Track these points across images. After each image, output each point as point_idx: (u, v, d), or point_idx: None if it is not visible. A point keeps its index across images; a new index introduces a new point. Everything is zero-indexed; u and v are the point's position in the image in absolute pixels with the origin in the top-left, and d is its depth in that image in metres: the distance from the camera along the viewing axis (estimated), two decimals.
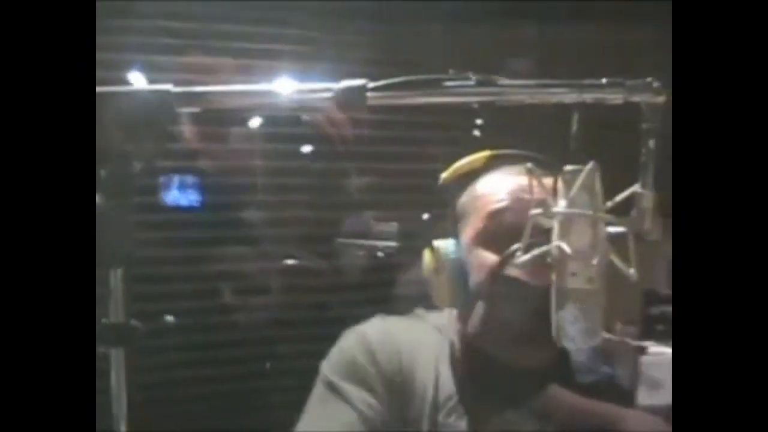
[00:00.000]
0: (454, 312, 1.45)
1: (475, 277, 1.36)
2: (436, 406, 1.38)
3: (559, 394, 1.35)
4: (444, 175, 1.41)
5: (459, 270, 1.36)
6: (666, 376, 1.26)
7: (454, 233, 1.40)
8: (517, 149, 1.34)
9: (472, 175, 1.41)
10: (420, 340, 1.46)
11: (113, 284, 1.06)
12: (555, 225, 1.08)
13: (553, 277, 1.08)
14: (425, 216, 1.42)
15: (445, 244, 1.39)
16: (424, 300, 1.67)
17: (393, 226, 2.42)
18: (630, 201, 1.08)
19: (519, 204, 1.33)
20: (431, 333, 1.48)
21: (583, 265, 1.06)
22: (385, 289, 2.42)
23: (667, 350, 1.31)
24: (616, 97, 1.05)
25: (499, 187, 1.38)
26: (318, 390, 1.45)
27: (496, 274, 1.32)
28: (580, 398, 1.34)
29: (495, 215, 1.36)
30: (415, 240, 2.36)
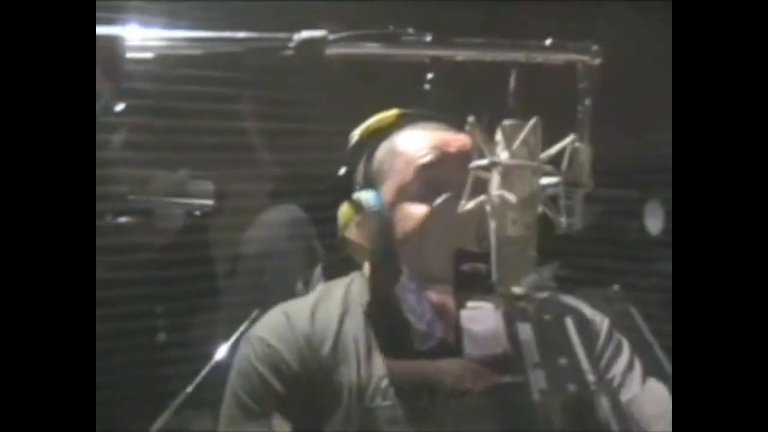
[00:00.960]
0: (360, 277, 1.48)
1: (402, 229, 1.38)
2: (360, 390, 1.37)
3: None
4: (356, 132, 1.43)
5: (381, 222, 1.38)
6: (483, 327, 1.32)
7: (368, 186, 1.43)
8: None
9: (384, 133, 1.45)
10: (334, 319, 1.43)
11: None
12: (495, 175, 1.15)
13: (492, 224, 1.15)
14: (341, 171, 1.43)
15: (366, 197, 1.41)
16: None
17: (209, 185, 2.40)
18: (559, 155, 1.17)
19: (443, 157, 1.38)
20: (335, 308, 1.46)
21: (523, 213, 1.14)
22: (204, 250, 2.40)
23: (484, 304, 1.36)
24: (558, 57, 1.13)
25: (423, 141, 1.42)
26: (228, 408, 1.40)
27: (427, 223, 1.36)
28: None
29: (420, 168, 1.39)
30: (229, 199, 2.37)
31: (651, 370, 1.50)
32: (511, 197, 1.13)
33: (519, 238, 1.14)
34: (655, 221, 2.51)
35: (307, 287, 1.63)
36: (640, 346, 1.91)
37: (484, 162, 1.15)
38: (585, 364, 1.37)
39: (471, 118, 1.18)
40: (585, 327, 1.44)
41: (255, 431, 1.36)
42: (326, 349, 1.38)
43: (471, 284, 1.33)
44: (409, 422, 1.34)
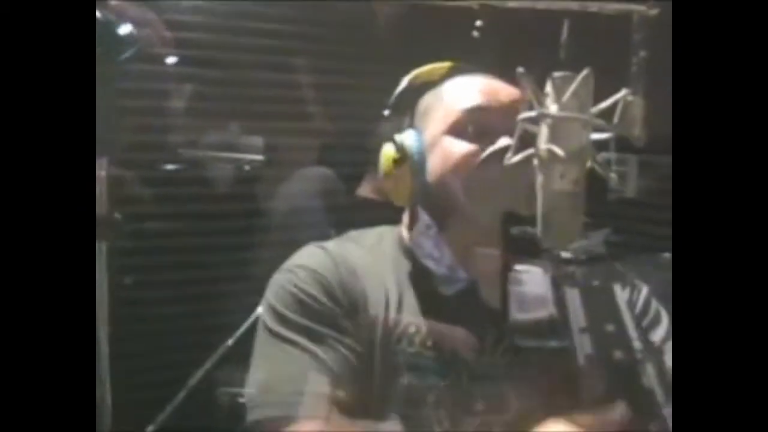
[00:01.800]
0: (391, 228, 1.46)
1: (442, 168, 1.35)
2: (387, 333, 1.34)
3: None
4: (405, 78, 1.41)
5: (422, 163, 1.36)
6: (534, 290, 1.30)
7: (412, 128, 1.41)
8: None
9: (432, 82, 1.42)
10: (366, 262, 1.40)
11: (99, 174, 1.02)
12: (543, 128, 1.12)
13: (540, 178, 1.12)
14: (385, 112, 1.42)
15: (407, 137, 1.38)
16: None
17: (258, 140, 2.38)
18: (610, 110, 1.13)
19: (492, 104, 1.35)
20: (367, 251, 1.43)
21: (571, 167, 1.11)
22: (255, 203, 2.38)
23: (532, 268, 1.33)
24: (613, 7, 1.09)
25: (470, 87, 1.38)
26: (266, 338, 1.37)
27: (471, 164, 1.33)
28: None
29: (469, 113, 1.35)
30: (281, 154, 2.35)
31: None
32: (560, 151, 1.10)
33: (567, 193, 1.11)
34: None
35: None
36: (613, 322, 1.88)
37: (533, 113, 1.12)
38: (632, 332, 1.35)
39: (521, 69, 1.15)
40: (628, 294, 1.41)
41: (308, 347, 1.32)
42: (359, 286, 1.36)
43: (519, 247, 1.32)
44: (431, 373, 1.32)
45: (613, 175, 1.13)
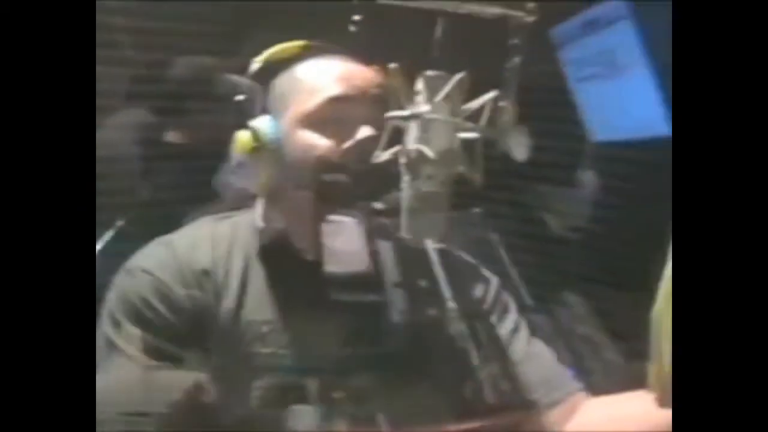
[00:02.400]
0: (247, 214, 1.41)
1: (301, 159, 1.31)
2: (242, 333, 1.31)
3: None
4: (258, 59, 1.35)
5: (279, 152, 1.32)
6: (344, 242, 1.30)
7: (267, 113, 1.35)
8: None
9: (287, 64, 1.36)
10: (218, 256, 1.35)
11: None
12: (413, 127, 1.11)
13: (406, 177, 1.11)
14: (238, 97, 1.35)
15: (263, 124, 1.33)
16: None
17: None
18: (479, 111, 1.13)
19: (349, 89, 1.31)
20: (221, 243, 1.37)
21: (439, 169, 1.10)
22: None
23: (346, 219, 1.33)
24: (490, 11, 1.09)
25: (328, 72, 1.35)
26: (109, 339, 1.29)
27: (327, 159, 1.30)
28: None
29: (327, 101, 1.31)
30: None
31: (511, 300, 1.52)
32: (430, 152, 1.09)
33: (433, 194, 1.11)
34: (521, 147, 2.48)
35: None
36: (499, 275, 1.94)
37: (404, 113, 1.11)
38: (445, 290, 1.37)
39: (393, 65, 1.13)
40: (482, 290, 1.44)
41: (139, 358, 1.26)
42: (209, 287, 1.31)
43: (332, 196, 1.31)
44: (289, 372, 1.30)
45: (478, 176, 1.14)
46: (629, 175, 2.09)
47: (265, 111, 1.36)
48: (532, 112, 1.12)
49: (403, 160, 1.12)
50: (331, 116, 1.30)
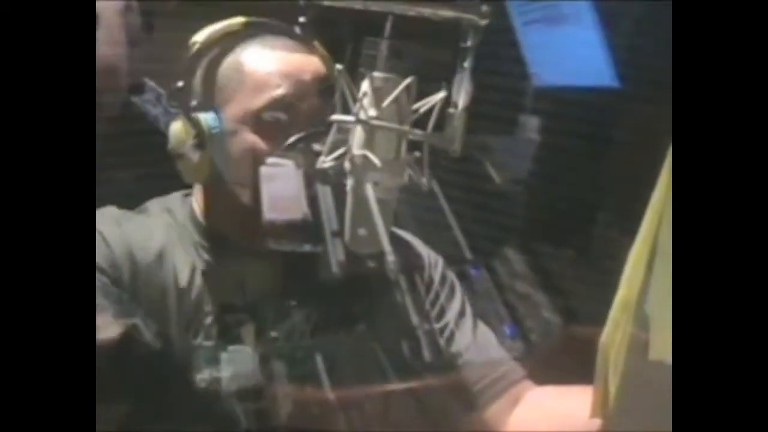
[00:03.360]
0: (183, 200, 1.36)
1: (243, 160, 1.27)
2: (186, 325, 1.29)
3: None
4: (196, 39, 1.28)
5: (221, 146, 1.27)
6: (287, 187, 1.27)
7: (209, 104, 1.29)
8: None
9: (229, 44, 1.30)
10: (149, 238, 1.32)
11: None
12: (359, 131, 1.07)
13: (351, 181, 1.08)
14: (178, 84, 1.28)
15: (205, 117, 1.27)
16: None
17: None
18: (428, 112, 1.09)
19: (297, 85, 1.26)
20: (158, 229, 1.33)
21: (386, 176, 1.07)
22: None
23: (285, 161, 1.30)
24: (442, 13, 1.04)
25: (273, 64, 1.28)
26: None
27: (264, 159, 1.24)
28: None
29: (272, 97, 1.26)
30: None
31: (452, 255, 1.51)
32: (377, 160, 1.05)
33: (379, 201, 1.08)
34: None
35: None
36: (440, 228, 1.92)
37: (350, 118, 1.06)
38: (384, 239, 1.35)
39: (339, 66, 1.08)
40: (415, 264, 1.41)
41: None
42: (150, 267, 1.28)
43: (271, 137, 1.27)
44: (231, 364, 1.27)
45: (424, 181, 1.10)
46: (572, 123, 2.07)
47: (207, 97, 1.30)
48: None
49: (347, 164, 1.08)
50: (276, 114, 1.25)
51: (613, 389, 1.00)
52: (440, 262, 1.44)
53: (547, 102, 2.20)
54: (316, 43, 1.26)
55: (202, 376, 1.27)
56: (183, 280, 1.29)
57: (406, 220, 1.95)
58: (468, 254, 2.05)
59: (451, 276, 1.43)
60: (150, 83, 1.68)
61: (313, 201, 1.22)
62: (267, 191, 1.21)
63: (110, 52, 1.57)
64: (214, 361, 1.26)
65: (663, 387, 1.01)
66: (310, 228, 1.21)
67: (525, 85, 2.21)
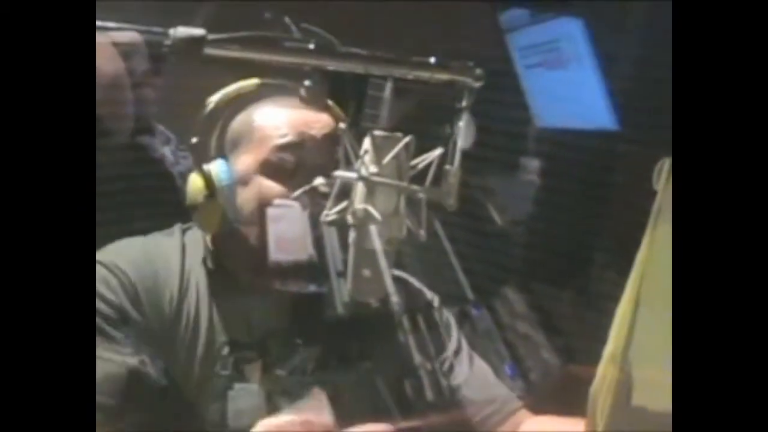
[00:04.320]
0: (196, 239, 1.41)
1: (252, 207, 1.33)
2: (206, 356, 1.34)
3: None
4: (212, 99, 1.34)
5: (232, 196, 1.33)
6: (293, 228, 1.31)
7: (222, 159, 1.36)
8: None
9: (242, 103, 1.36)
10: (168, 273, 1.37)
11: None
12: (360, 186, 1.12)
13: (353, 235, 1.13)
14: (193, 140, 1.33)
15: (216, 170, 1.34)
16: None
17: None
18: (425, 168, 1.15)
19: (303, 139, 1.32)
20: (175, 263, 1.39)
21: (385, 228, 1.12)
22: None
23: (291, 203, 1.35)
24: (439, 77, 1.10)
25: (280, 119, 1.35)
26: None
27: (275, 208, 1.29)
28: None
29: (278, 148, 1.33)
30: None
31: (454, 295, 1.54)
32: (377, 214, 1.11)
33: (380, 253, 1.13)
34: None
35: None
36: (443, 267, 1.95)
37: (352, 175, 1.12)
38: (387, 278, 1.40)
39: (342, 126, 1.13)
40: (415, 303, 1.46)
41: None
42: (167, 301, 1.34)
43: (277, 186, 1.33)
44: (249, 395, 1.32)
45: (422, 233, 1.15)
46: (572, 165, 2.11)
47: (220, 151, 1.37)
48: (480, 93, 1.13)
49: (349, 218, 1.13)
50: (282, 164, 1.31)
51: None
52: (436, 299, 1.49)
53: (547, 145, 2.25)
54: (329, 102, 1.30)
55: (209, 412, 1.32)
56: (191, 317, 1.34)
57: (409, 260, 2.00)
58: (470, 294, 2.10)
59: (447, 313, 1.49)
60: (160, 127, 1.73)
61: (318, 242, 1.27)
62: (273, 232, 1.26)
63: (113, 95, 1.63)
64: (220, 397, 1.31)
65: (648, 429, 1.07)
66: (315, 269, 1.27)
67: (527, 129, 2.26)
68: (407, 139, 1.10)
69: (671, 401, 0.98)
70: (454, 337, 1.46)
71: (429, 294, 1.50)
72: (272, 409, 1.31)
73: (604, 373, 1.07)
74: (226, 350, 1.34)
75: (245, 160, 1.34)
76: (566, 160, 2.12)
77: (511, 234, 2.20)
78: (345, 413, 1.30)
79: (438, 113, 1.14)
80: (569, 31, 2.11)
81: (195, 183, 1.33)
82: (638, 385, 1.05)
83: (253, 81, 1.34)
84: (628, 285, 1.05)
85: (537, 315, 2.04)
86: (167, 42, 0.99)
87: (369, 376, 1.38)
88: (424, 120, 1.14)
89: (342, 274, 1.34)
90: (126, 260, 1.33)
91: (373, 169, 1.11)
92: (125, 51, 1.64)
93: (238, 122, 1.38)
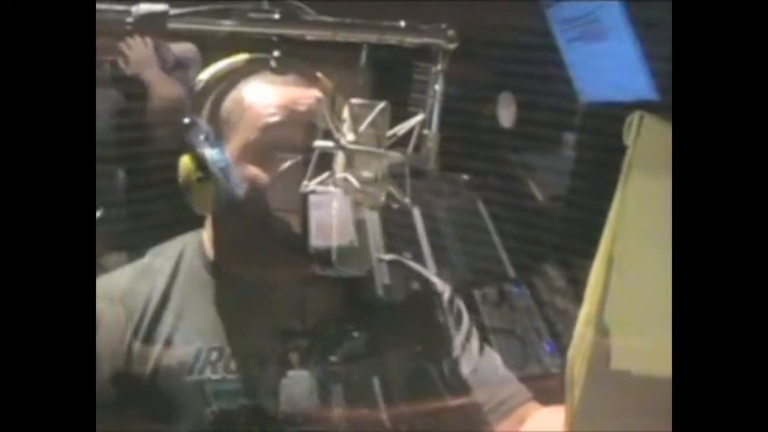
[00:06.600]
0: (195, 237, 1.42)
1: (243, 189, 1.30)
2: (192, 364, 1.32)
3: None
4: (202, 77, 1.34)
5: (225, 179, 1.29)
6: (330, 214, 1.30)
7: (214, 139, 1.35)
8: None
9: (231, 80, 1.36)
10: (165, 287, 1.37)
11: None
12: (340, 155, 1.11)
13: (335, 204, 1.12)
14: (186, 120, 1.34)
15: (210, 152, 1.31)
16: None
17: None
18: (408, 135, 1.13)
19: (292, 117, 1.30)
20: (177, 272, 1.38)
21: (367, 195, 1.11)
22: None
23: (333, 189, 1.33)
24: (412, 40, 1.08)
25: (269, 97, 1.32)
26: None
27: (265, 188, 1.30)
28: None
29: (268, 128, 1.30)
30: None
31: (495, 272, 1.52)
32: (355, 181, 1.10)
33: (362, 221, 1.12)
34: (508, 114, 2.43)
35: None
36: (485, 245, 1.93)
37: (329, 144, 1.11)
38: (428, 259, 1.38)
39: (319, 95, 1.13)
40: (426, 293, 1.44)
41: None
42: (160, 319, 1.33)
43: (269, 165, 1.30)
44: (238, 396, 1.31)
45: (407, 200, 1.14)
46: (612, 139, 2.06)
47: (213, 132, 1.34)
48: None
49: (332, 187, 1.12)
50: (273, 143, 1.30)
51: (576, 401, 1.02)
52: (447, 290, 1.46)
53: (588, 118, 2.21)
54: (319, 75, 1.30)
55: (263, 400, 1.31)
56: (193, 314, 1.34)
57: (452, 240, 1.98)
58: (511, 272, 2.07)
59: (458, 303, 1.46)
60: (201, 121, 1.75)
61: (359, 227, 1.27)
62: (314, 218, 1.26)
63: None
64: (273, 385, 1.30)
65: (627, 395, 1.04)
66: (356, 253, 1.26)
67: (568, 103, 2.23)
68: (382, 104, 1.09)
69: (650, 366, 0.96)
70: (464, 326, 1.44)
71: (440, 283, 1.48)
72: (325, 395, 1.30)
73: (581, 335, 1.03)
74: (221, 345, 1.33)
75: (237, 142, 1.32)
76: (606, 134, 2.07)
77: (551, 210, 2.17)
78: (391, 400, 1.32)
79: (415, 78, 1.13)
80: (607, 2, 2.07)
81: (187, 164, 1.32)
82: (616, 348, 1.02)
83: (242, 57, 1.34)
84: (601, 243, 1.02)
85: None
86: (129, 19, 0.99)
87: (418, 362, 1.37)
88: (402, 86, 1.12)
89: (383, 259, 1.34)
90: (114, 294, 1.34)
91: (351, 137, 1.10)
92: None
93: (229, 102, 1.35)
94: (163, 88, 2.21)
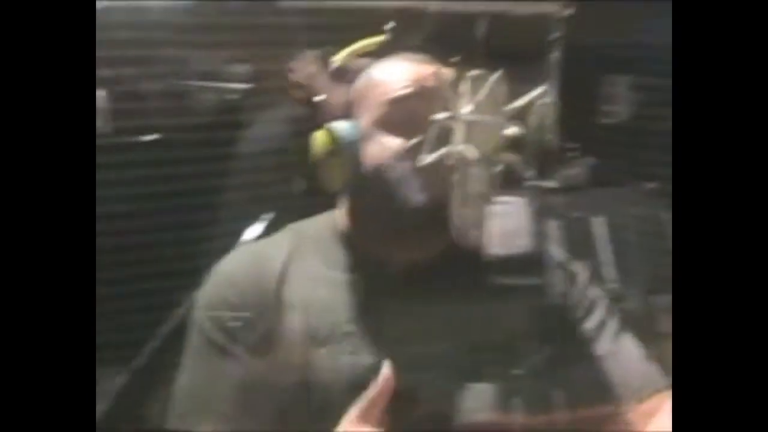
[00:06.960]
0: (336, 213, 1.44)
1: (374, 162, 1.33)
2: (327, 335, 1.34)
3: None
4: (337, 57, 1.39)
5: (355, 153, 1.34)
6: (509, 223, 1.28)
7: (347, 116, 1.38)
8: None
9: (363, 61, 1.40)
10: (296, 261, 1.40)
11: None
12: (458, 128, 1.12)
13: (455, 177, 1.13)
14: (319, 97, 1.40)
15: (340, 126, 1.36)
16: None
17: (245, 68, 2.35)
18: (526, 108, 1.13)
19: (421, 91, 1.33)
20: (312, 247, 1.42)
21: (484, 169, 1.11)
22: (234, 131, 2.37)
23: (514, 199, 1.32)
24: (526, 9, 1.08)
25: (400, 73, 1.35)
26: (195, 341, 1.39)
27: (397, 161, 1.31)
28: None
29: (398, 101, 1.32)
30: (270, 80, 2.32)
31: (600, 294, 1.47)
32: (472, 153, 1.10)
33: (479, 194, 1.12)
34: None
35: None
36: (666, 254, 1.86)
37: (446, 115, 1.12)
38: (608, 269, 1.35)
39: (446, 70, 1.14)
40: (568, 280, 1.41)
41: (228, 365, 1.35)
42: (287, 291, 1.37)
43: (398, 139, 1.31)
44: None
45: (529, 171, 1.13)
46: None
47: (345, 109, 1.38)
48: None
49: (450, 161, 1.13)
50: (403, 117, 1.32)
51: None
52: (583, 275, 1.43)
53: None
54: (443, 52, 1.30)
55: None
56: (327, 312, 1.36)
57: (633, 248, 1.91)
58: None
59: (594, 289, 1.42)
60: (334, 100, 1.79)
61: (539, 234, 1.27)
62: (494, 227, 1.27)
63: None
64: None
65: None
66: (533, 261, 1.27)
67: None
68: (498, 73, 1.09)
69: None
70: (599, 312, 1.39)
71: (580, 267, 1.44)
72: (506, 408, 1.30)
73: None
74: (350, 327, 1.34)
75: (368, 117, 1.35)
76: None
77: None
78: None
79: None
80: None
81: (320, 139, 1.36)
82: None
83: (377, 39, 1.37)
84: None
85: None
86: None
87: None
88: (520, 56, 1.11)
89: (560, 265, 1.33)
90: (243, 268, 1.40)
91: (469, 108, 1.11)
92: None
93: (361, 80, 1.39)
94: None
